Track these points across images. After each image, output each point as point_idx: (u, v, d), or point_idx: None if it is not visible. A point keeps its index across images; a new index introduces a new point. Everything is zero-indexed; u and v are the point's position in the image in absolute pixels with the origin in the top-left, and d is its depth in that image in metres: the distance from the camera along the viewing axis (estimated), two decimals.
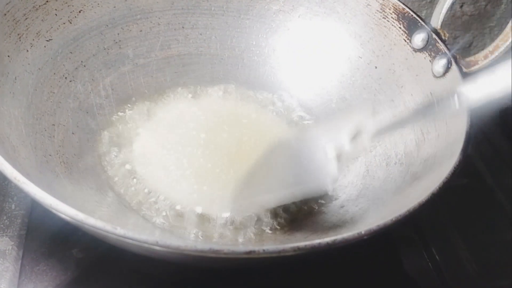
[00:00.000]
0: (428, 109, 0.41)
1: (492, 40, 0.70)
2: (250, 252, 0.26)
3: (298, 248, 0.26)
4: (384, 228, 0.29)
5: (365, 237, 0.28)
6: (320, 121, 0.48)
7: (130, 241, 0.26)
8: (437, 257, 0.46)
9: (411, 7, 0.64)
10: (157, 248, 0.26)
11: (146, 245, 0.26)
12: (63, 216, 0.27)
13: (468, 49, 0.71)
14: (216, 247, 0.26)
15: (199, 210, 0.39)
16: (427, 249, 0.46)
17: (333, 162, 0.36)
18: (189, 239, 0.37)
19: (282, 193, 0.38)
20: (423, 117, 0.40)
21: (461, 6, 0.66)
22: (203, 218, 0.40)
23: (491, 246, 0.47)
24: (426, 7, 0.66)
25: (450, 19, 0.66)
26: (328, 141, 0.37)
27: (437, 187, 0.31)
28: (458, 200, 0.48)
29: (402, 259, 0.45)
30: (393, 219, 0.29)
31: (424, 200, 0.30)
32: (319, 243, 0.27)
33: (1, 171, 0.28)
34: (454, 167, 0.33)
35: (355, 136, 0.36)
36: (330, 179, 0.36)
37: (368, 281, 0.42)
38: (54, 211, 0.27)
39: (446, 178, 0.32)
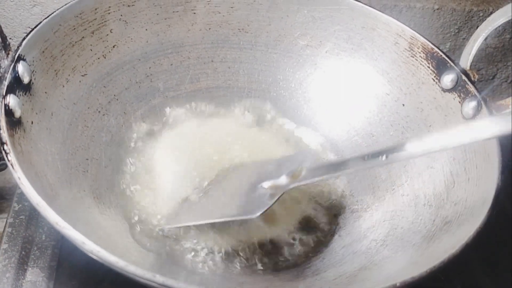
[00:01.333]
0: (457, 151, 0.41)
1: None
2: None
3: None
4: (419, 280, 0.29)
5: None
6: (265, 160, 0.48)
7: None
8: None
9: (436, 39, 0.65)
10: None
11: None
12: (104, 262, 0.27)
13: (492, 81, 0.71)
14: None
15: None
16: (451, 286, 0.46)
17: (267, 194, 0.40)
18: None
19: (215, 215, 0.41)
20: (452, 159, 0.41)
21: (485, 39, 0.66)
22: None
23: None
24: (450, 39, 0.66)
25: (476, 51, 0.67)
26: (268, 176, 0.41)
27: (471, 237, 0.31)
28: (485, 238, 0.48)
29: None
30: (428, 270, 0.29)
31: (458, 251, 0.30)
32: None
33: (44, 216, 0.29)
34: (487, 216, 0.33)
35: (292, 174, 0.40)
36: (259, 208, 0.38)
37: None
38: (95, 257, 0.28)
39: (479, 227, 0.32)
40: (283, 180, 0.40)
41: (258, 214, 0.37)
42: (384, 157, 0.35)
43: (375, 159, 0.35)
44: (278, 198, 0.39)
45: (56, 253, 0.42)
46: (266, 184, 0.41)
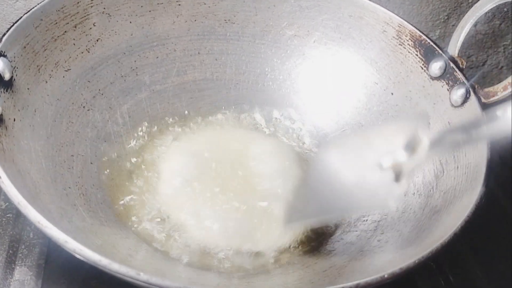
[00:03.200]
0: (446, 139, 0.41)
1: (507, 58, 0.70)
2: None
3: None
4: (407, 271, 0.29)
5: (388, 280, 0.28)
6: (359, 132, 0.45)
7: (154, 287, 0.26)
8: (453, 284, 0.45)
9: (425, 26, 0.64)
10: None
11: None
12: (87, 261, 0.27)
13: (482, 68, 0.71)
14: None
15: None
16: (443, 275, 0.46)
17: (389, 176, 0.33)
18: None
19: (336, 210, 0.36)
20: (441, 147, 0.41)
21: (475, 25, 0.66)
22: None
23: (508, 274, 0.46)
24: (440, 26, 0.65)
25: (464, 38, 0.66)
26: (376, 153, 0.34)
27: (459, 226, 0.31)
28: (475, 226, 0.48)
29: (418, 285, 0.45)
30: (416, 261, 0.29)
31: (446, 241, 0.30)
32: None
33: (25, 214, 0.28)
34: (476, 205, 0.32)
35: (410, 147, 0.32)
36: (390, 193, 0.33)
37: None
38: (78, 256, 0.27)
39: (468, 216, 0.32)
40: (401, 156, 0.33)
41: (396, 204, 0.33)
42: None
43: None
44: (409, 179, 0.32)
45: (44, 251, 0.42)
46: (385, 163, 0.33)
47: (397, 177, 0.33)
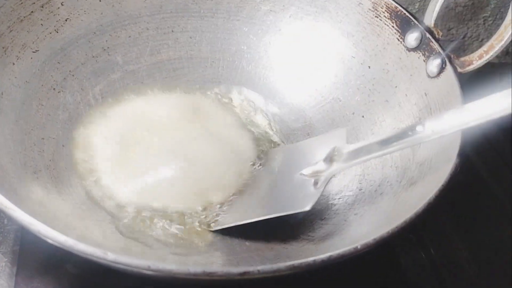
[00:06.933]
0: (422, 110, 0.41)
1: (487, 30, 0.69)
2: (244, 273, 0.26)
3: (294, 267, 0.26)
4: (380, 241, 0.28)
5: (361, 252, 0.28)
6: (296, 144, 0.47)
7: (122, 266, 0.26)
8: (435, 257, 0.45)
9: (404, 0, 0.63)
10: (149, 272, 0.26)
11: (136, 269, 0.26)
12: (53, 243, 0.26)
13: (463, 40, 0.70)
14: (209, 269, 0.25)
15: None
16: (424, 249, 0.46)
17: (310, 182, 0.38)
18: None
19: (260, 211, 0.39)
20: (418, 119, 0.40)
21: None
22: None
23: (489, 245, 0.47)
24: None
25: (444, 10, 0.66)
26: (304, 163, 0.40)
27: (434, 196, 0.31)
28: (455, 198, 0.48)
29: (400, 260, 0.45)
30: (389, 231, 0.29)
31: (420, 210, 0.30)
32: (314, 261, 0.27)
33: None
34: (450, 174, 0.32)
35: (330, 158, 0.38)
36: (308, 198, 0.37)
37: (365, 282, 0.42)
38: (44, 238, 0.27)
39: (442, 186, 0.31)
40: (321, 166, 0.38)
41: (310, 206, 0.35)
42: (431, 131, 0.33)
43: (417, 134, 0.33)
44: (326, 185, 0.37)
45: (19, 237, 0.41)
46: (306, 171, 0.39)
47: (315, 182, 0.38)
